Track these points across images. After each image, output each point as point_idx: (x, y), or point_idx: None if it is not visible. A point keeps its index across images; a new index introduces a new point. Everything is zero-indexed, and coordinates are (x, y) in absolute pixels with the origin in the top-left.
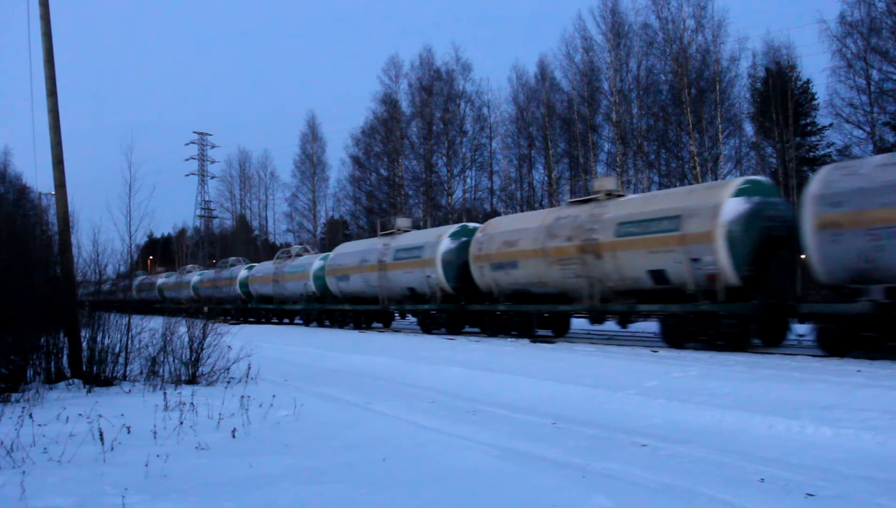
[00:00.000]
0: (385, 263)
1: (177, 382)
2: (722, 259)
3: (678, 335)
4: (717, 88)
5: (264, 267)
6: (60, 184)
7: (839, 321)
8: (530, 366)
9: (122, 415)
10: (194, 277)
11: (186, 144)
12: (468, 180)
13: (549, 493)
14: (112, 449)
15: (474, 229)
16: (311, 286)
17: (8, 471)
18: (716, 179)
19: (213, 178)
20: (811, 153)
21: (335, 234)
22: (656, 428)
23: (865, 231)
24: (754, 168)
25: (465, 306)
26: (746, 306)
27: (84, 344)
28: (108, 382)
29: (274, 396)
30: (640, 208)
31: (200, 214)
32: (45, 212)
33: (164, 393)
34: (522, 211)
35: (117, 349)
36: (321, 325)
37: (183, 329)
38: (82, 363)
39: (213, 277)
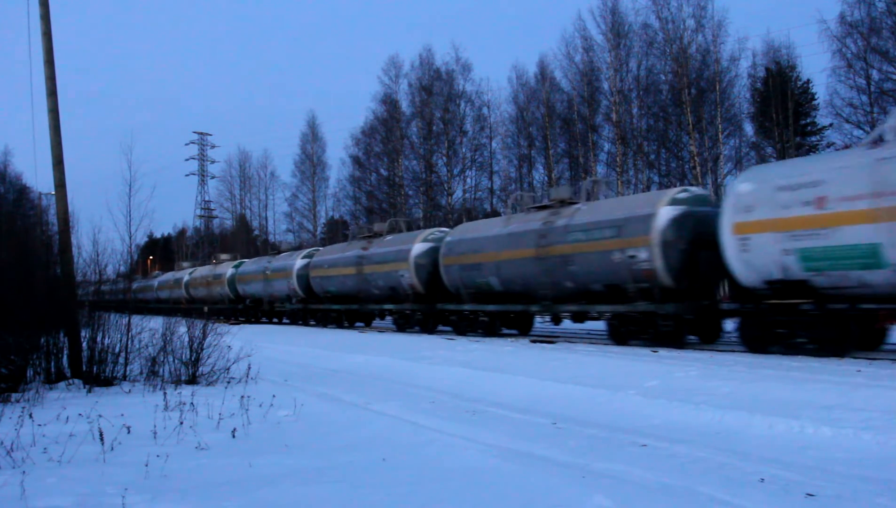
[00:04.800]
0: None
1: (177, 382)
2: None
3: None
4: (717, 88)
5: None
6: (60, 184)
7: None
8: (530, 366)
9: (122, 415)
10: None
11: (186, 144)
12: (468, 180)
13: (549, 493)
14: (112, 449)
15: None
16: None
17: (8, 471)
18: (716, 179)
19: (213, 178)
20: (811, 153)
21: (335, 234)
22: (656, 428)
23: None
24: None
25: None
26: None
27: (84, 344)
28: (108, 382)
29: (274, 396)
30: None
31: (200, 214)
32: (45, 212)
33: (164, 393)
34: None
35: (117, 349)
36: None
37: (183, 329)
38: (82, 363)
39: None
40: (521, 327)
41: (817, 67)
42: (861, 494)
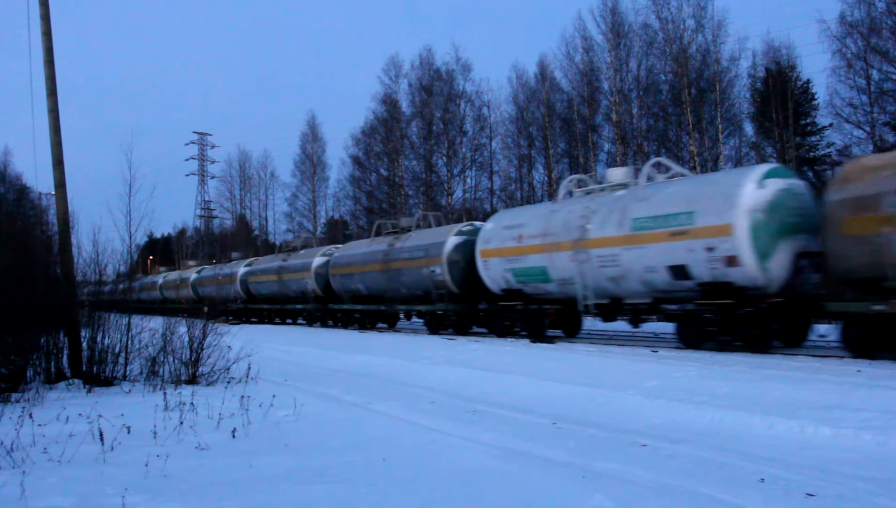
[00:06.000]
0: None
1: (177, 382)
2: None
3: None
4: (717, 88)
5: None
6: (60, 184)
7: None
8: (530, 366)
9: (122, 415)
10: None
11: (186, 144)
12: (468, 180)
13: (549, 493)
14: (112, 449)
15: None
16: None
17: (8, 471)
18: None
19: (213, 178)
20: (811, 153)
21: (335, 234)
22: (656, 428)
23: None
24: None
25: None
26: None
27: (84, 344)
28: (108, 382)
29: (274, 396)
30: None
31: (200, 214)
32: (45, 212)
33: (164, 393)
34: None
35: (117, 349)
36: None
37: (183, 329)
38: (82, 363)
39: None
40: (389, 322)
41: (817, 67)
42: (861, 494)
